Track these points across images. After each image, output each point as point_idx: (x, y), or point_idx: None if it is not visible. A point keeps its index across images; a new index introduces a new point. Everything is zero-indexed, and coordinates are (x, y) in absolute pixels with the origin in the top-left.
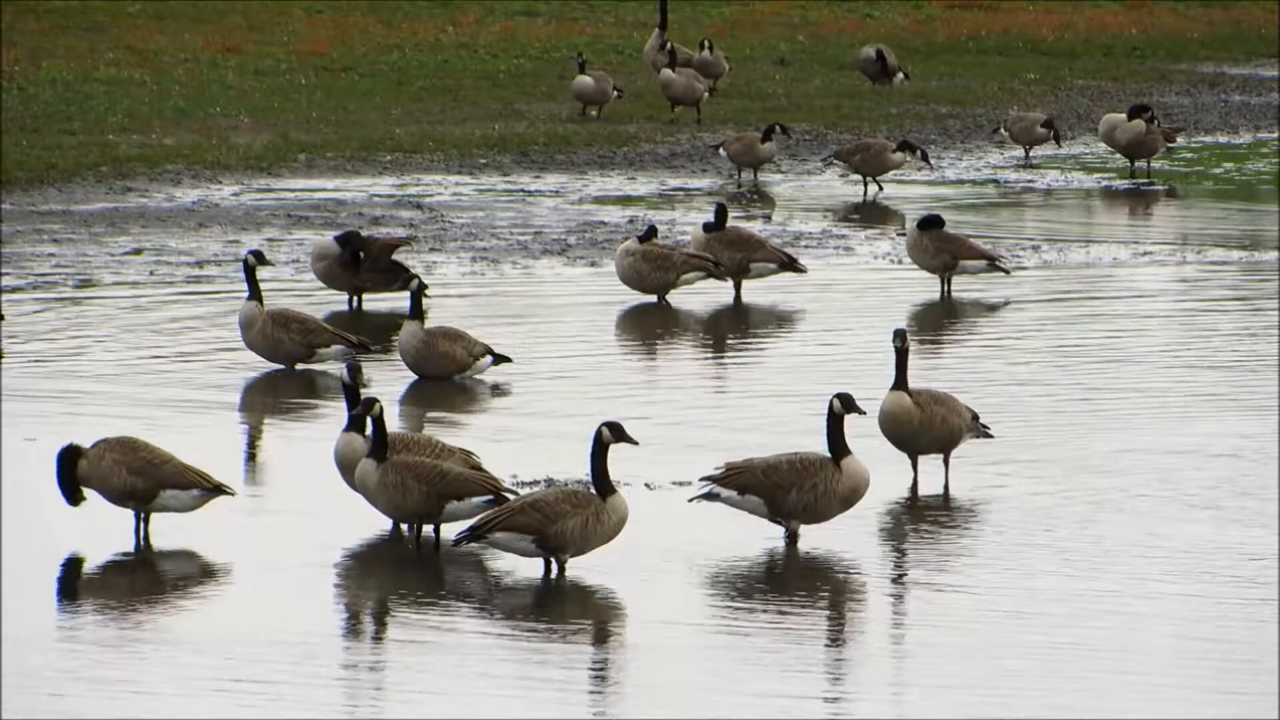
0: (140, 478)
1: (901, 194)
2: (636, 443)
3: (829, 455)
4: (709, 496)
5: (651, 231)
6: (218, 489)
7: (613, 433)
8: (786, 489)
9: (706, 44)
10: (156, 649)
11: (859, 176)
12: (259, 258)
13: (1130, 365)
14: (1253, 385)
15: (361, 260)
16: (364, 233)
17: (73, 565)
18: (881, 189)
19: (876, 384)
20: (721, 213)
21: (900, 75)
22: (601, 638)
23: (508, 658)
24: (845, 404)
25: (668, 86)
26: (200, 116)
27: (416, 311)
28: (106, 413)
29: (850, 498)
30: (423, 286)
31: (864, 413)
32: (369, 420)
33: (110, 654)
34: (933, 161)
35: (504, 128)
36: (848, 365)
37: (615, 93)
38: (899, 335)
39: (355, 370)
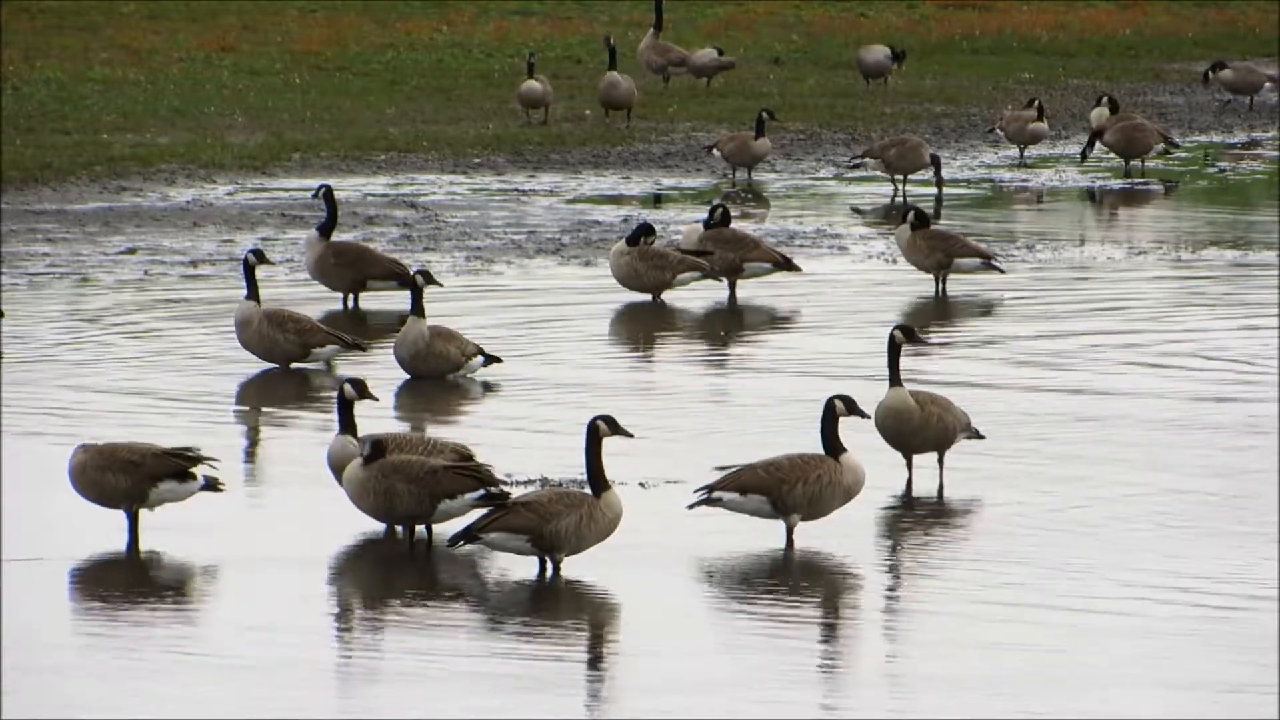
0: (128, 476)
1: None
2: (631, 435)
3: (824, 453)
4: (710, 502)
5: (643, 231)
6: (210, 484)
7: (608, 425)
8: (792, 484)
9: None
10: (152, 649)
11: (888, 175)
12: (259, 256)
13: (1126, 365)
14: (1250, 386)
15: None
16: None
17: (68, 566)
18: (902, 190)
19: (871, 385)
20: (724, 213)
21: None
22: (596, 637)
23: (502, 657)
24: (848, 406)
25: (614, 87)
26: (194, 116)
27: (419, 308)
28: (99, 412)
29: (852, 489)
30: (426, 280)
31: (867, 415)
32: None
33: (104, 657)
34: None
35: (498, 127)
36: (842, 365)
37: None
38: (903, 330)
39: (362, 387)
